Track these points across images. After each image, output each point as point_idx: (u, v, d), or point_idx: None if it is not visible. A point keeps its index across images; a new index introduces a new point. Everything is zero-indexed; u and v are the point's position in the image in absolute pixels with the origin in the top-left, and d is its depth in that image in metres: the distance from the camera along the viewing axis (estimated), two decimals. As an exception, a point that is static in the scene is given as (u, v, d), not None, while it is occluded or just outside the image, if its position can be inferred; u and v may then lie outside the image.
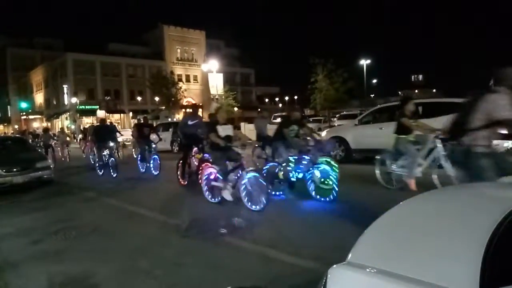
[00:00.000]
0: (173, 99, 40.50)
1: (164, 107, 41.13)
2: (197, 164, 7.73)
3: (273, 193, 5.96)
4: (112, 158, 9.70)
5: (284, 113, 32.36)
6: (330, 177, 5.50)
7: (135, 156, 13.18)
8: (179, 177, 7.98)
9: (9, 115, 54.63)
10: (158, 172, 9.45)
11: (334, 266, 1.40)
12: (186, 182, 7.82)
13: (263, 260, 3.50)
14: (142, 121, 11.59)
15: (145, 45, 51.35)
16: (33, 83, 53.20)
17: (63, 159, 15.21)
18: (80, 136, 24.01)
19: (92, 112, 42.71)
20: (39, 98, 52.57)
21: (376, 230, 1.67)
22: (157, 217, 5.42)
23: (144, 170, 9.94)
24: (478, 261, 1.15)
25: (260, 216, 5.00)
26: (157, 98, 41.46)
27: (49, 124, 43.52)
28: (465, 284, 1.10)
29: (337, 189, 5.40)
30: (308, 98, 32.40)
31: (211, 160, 7.32)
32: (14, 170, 8.21)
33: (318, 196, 5.64)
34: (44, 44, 52.10)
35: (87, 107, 43.22)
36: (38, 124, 48.46)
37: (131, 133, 15.71)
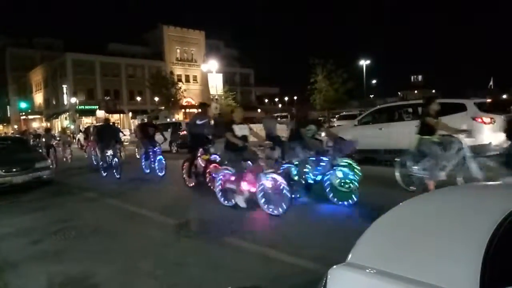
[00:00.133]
0: (172, 99, 40.49)
1: (163, 107, 41.08)
2: (203, 165, 7.48)
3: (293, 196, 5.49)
4: (115, 159, 9.60)
5: (283, 113, 32.59)
6: (352, 180, 5.18)
7: (138, 157, 13.00)
8: (185, 178, 7.85)
9: (9, 115, 54.62)
10: (163, 173, 9.28)
11: (334, 266, 1.40)
12: (193, 184, 7.67)
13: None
14: (145, 121, 11.47)
15: (144, 45, 51.31)
16: (33, 83, 53.15)
17: (64, 159, 15.04)
18: (81, 136, 23.89)
19: (92, 112, 42.75)
20: (38, 98, 52.54)
21: (376, 230, 1.67)
22: (159, 218, 5.40)
23: (148, 170, 9.80)
24: (478, 261, 1.15)
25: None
26: (156, 98, 41.46)
27: (48, 124, 43.46)
28: (465, 285, 1.10)
29: (357, 193, 5.11)
30: (308, 98, 32.34)
31: (218, 161, 7.15)
32: (14, 170, 8.19)
33: (335, 199, 5.34)
34: (44, 44, 52.07)
35: (86, 107, 43.20)
36: (37, 124, 48.43)
37: (134, 133, 15.54)
